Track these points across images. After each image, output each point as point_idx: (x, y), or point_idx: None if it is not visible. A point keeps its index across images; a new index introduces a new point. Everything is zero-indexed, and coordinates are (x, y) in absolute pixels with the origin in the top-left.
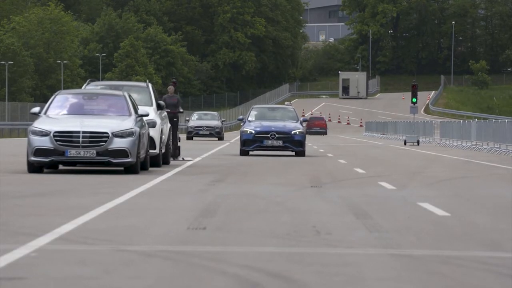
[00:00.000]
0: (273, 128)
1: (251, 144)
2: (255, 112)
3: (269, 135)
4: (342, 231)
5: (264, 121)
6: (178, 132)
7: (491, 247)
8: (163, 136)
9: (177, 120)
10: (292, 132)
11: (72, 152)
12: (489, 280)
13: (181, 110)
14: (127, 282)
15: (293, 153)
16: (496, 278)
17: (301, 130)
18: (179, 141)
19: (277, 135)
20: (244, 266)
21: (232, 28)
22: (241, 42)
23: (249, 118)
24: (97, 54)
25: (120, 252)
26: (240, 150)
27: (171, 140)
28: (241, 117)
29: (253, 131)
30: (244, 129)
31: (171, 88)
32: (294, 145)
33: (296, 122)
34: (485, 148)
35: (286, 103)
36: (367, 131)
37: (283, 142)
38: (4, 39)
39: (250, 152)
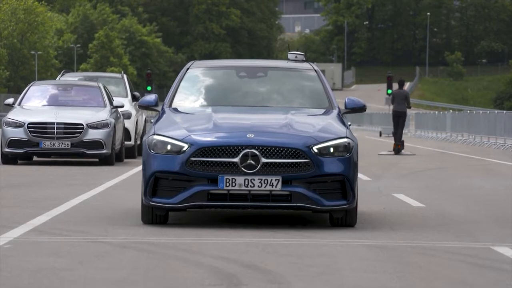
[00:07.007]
0: (252, 138)
1: (180, 189)
2: (201, 78)
3: (237, 158)
4: (317, 222)
5: (224, 113)
6: None
7: (466, 238)
8: (138, 128)
9: None
10: (315, 149)
11: (47, 144)
12: (463, 270)
13: None
14: (101, 274)
15: (312, 212)
16: (470, 268)
17: (347, 140)
18: None
19: (264, 158)
20: (219, 257)
21: (207, 19)
22: (216, 33)
23: (175, 101)
24: (72, 45)
25: (95, 244)
26: (143, 202)
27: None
28: (152, 99)
29: (187, 145)
30: (158, 138)
31: None
32: (320, 193)
33: (327, 114)
34: (460, 139)
35: (289, 55)
36: None
37: (284, 183)
38: None
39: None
